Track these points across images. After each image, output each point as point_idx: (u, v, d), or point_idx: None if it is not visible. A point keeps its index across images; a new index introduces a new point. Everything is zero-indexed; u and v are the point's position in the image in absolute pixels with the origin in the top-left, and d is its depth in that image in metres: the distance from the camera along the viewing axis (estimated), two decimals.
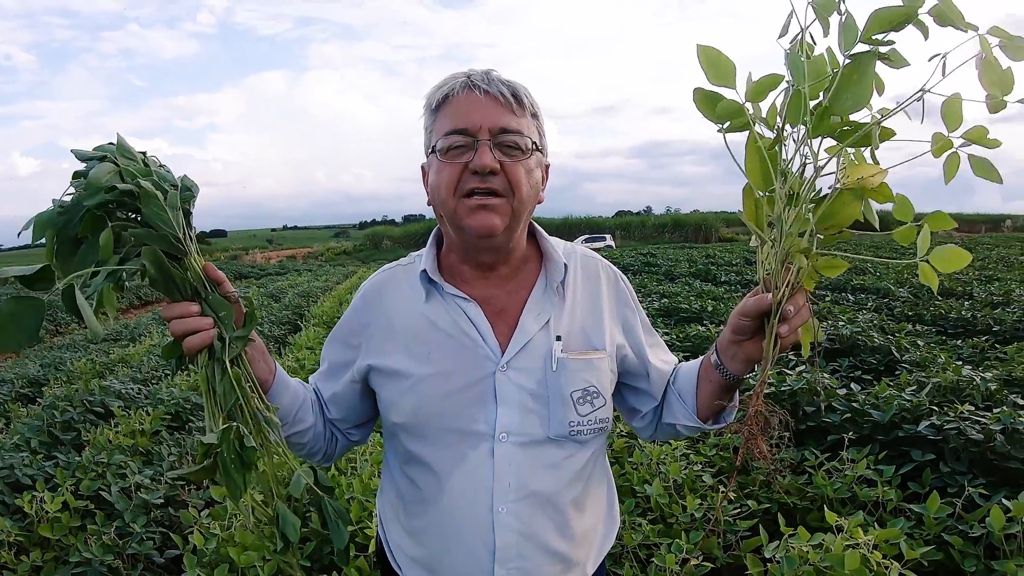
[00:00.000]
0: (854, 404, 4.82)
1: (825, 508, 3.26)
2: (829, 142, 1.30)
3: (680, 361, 1.87)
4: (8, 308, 1.24)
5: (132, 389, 7.26)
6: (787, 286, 1.36)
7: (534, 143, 1.59)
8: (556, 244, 1.74)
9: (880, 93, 1.27)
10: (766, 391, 1.49)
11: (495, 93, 1.56)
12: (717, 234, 60.16)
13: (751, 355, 1.52)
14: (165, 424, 6.19)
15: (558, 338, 1.65)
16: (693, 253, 32.12)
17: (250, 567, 3.09)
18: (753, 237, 1.43)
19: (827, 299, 11.84)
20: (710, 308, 11.64)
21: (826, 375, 5.63)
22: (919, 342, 7.69)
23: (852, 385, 5.33)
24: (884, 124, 1.27)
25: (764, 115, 1.36)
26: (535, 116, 1.62)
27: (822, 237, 1.35)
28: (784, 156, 1.34)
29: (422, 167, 1.70)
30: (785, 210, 1.33)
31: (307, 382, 1.83)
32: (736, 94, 1.34)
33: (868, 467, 3.83)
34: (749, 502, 3.75)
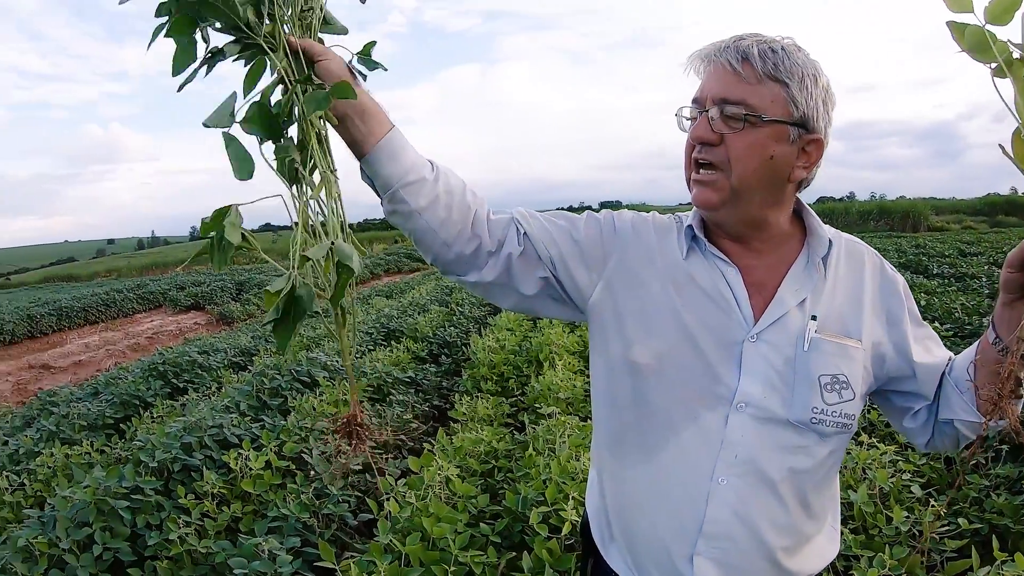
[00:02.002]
0: None
1: None
2: None
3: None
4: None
5: (337, 361, 7.50)
6: None
7: (755, 115, 1.46)
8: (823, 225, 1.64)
9: None
10: None
11: (722, 61, 1.49)
12: (926, 223, 56.85)
13: None
14: (367, 395, 6.39)
15: (813, 317, 1.56)
16: (901, 242, 30.53)
17: (442, 538, 3.11)
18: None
19: None
20: (923, 303, 10.99)
21: None
22: None
23: None
24: None
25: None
26: (780, 81, 1.47)
27: None
28: None
29: None
30: None
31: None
32: (977, 19, 1.27)
33: None
34: (959, 520, 3.52)
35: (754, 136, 1.47)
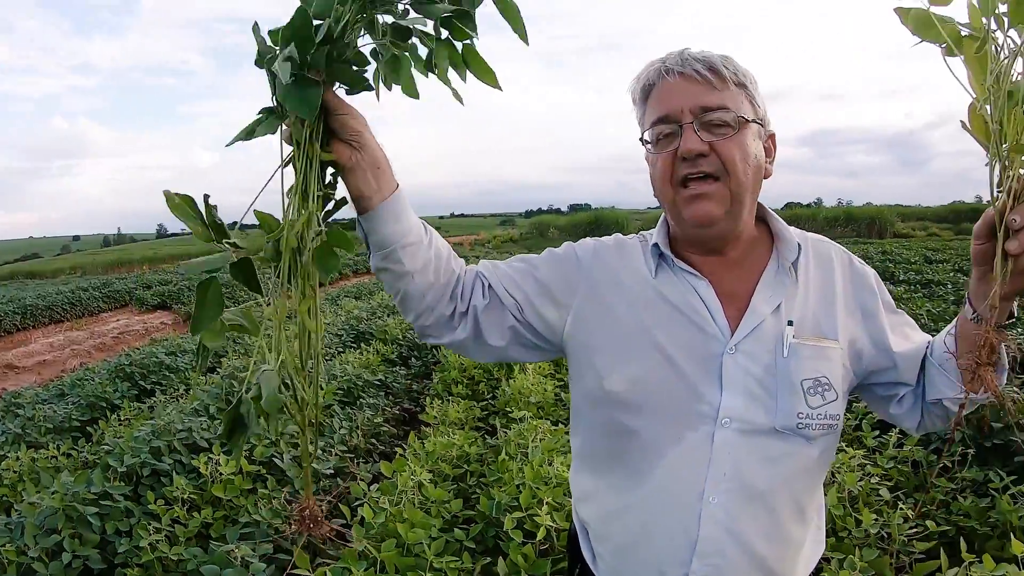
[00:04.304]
0: None
1: (1010, 537, 3.06)
2: None
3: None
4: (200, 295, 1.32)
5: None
6: (1009, 194, 1.23)
7: (741, 116, 1.50)
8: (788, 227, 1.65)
9: None
10: None
11: (690, 72, 1.50)
12: (892, 229, 57.60)
13: (1006, 293, 1.33)
14: (338, 399, 6.36)
15: (790, 323, 1.55)
16: (868, 249, 30.76)
17: (416, 543, 3.12)
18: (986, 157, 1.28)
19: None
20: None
21: (1015, 389, 5.32)
22: None
23: None
24: None
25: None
26: (741, 85, 1.53)
27: None
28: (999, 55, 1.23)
29: (647, 159, 1.64)
30: (1002, 111, 1.21)
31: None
32: (922, 1, 1.28)
33: None
34: (927, 523, 3.57)
35: (740, 138, 1.50)
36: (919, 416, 1.67)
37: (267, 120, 1.38)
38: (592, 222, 61.40)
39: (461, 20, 1.42)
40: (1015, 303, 1.40)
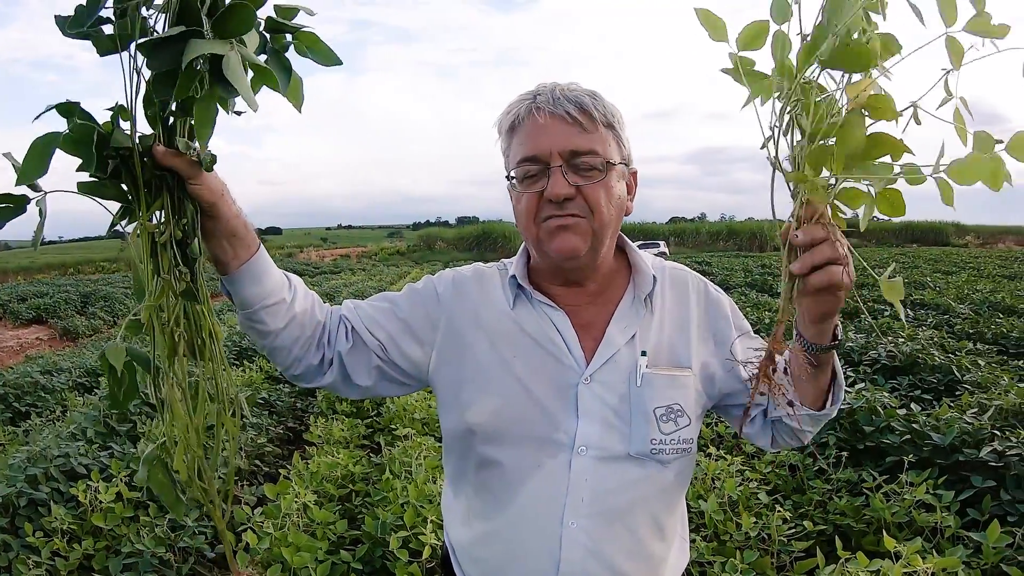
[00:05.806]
0: (914, 425, 4.73)
1: (884, 533, 3.19)
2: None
3: None
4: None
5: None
6: (792, 217, 1.29)
7: (609, 162, 1.52)
8: (646, 258, 1.68)
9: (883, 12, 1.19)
10: None
11: (561, 114, 1.50)
12: (772, 243, 59.79)
13: (812, 314, 1.38)
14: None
15: (643, 353, 1.59)
16: (748, 262, 31.67)
17: (302, 568, 3.10)
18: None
19: (887, 314, 11.61)
20: (767, 320, 11.37)
21: (886, 393, 5.54)
22: (980, 361, 7.47)
23: (912, 405, 5.22)
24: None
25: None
26: (609, 126, 1.55)
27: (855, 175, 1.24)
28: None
29: (509, 191, 1.66)
30: (797, 146, 1.25)
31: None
32: (732, 47, 1.31)
33: (927, 491, 3.75)
34: (804, 523, 3.70)
35: (606, 181, 1.52)
36: (770, 433, 1.72)
37: (122, 214, 1.34)
38: (480, 235, 61.55)
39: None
40: (836, 325, 1.45)
